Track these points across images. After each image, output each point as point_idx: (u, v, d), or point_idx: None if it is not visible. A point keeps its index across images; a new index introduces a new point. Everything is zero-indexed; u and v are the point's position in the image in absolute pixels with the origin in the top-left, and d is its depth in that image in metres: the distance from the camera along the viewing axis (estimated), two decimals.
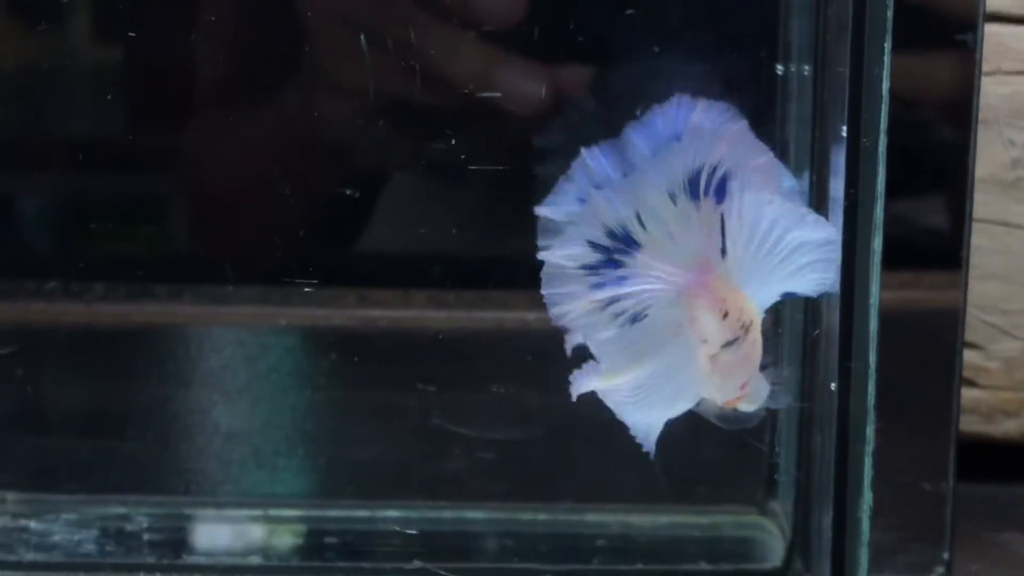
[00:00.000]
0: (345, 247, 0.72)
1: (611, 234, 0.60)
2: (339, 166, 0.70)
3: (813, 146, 0.66)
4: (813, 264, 0.61)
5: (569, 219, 0.62)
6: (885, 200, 0.61)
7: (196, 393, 0.73)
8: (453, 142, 0.68)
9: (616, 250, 0.60)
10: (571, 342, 0.62)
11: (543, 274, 0.61)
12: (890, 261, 0.62)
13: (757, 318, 0.60)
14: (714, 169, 0.60)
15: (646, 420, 0.61)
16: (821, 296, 0.63)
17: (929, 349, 0.72)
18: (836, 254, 0.61)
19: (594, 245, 0.60)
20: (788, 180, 0.63)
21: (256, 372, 0.73)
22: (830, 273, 0.61)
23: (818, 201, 0.65)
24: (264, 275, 0.72)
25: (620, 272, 0.60)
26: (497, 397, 0.71)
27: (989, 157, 0.78)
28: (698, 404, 0.62)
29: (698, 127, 0.62)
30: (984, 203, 0.78)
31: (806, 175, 0.66)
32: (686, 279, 0.60)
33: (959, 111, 0.71)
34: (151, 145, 0.72)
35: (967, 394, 0.79)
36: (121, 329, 0.73)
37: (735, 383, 0.61)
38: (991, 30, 0.76)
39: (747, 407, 0.62)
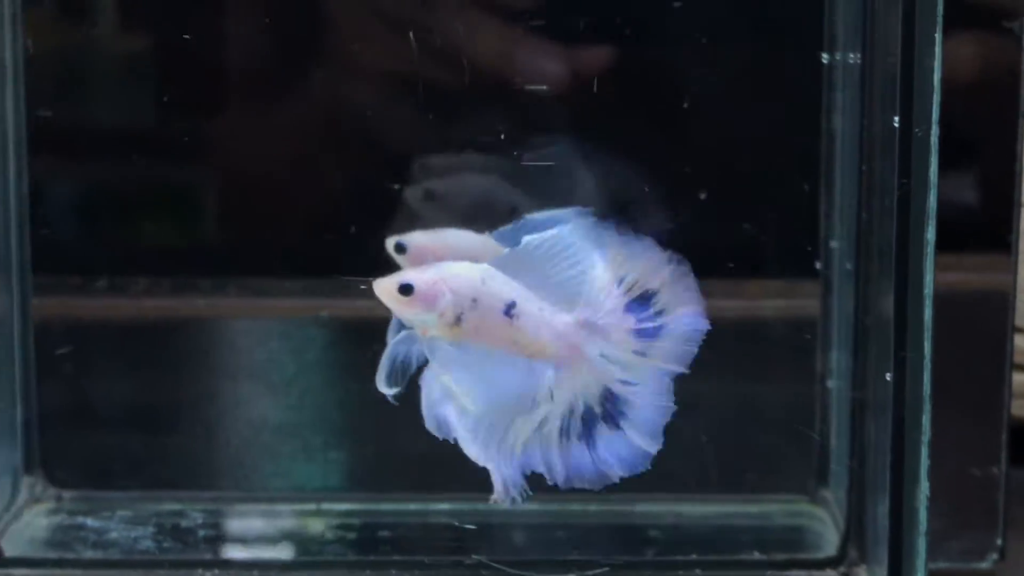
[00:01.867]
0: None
1: None
2: (378, 157, 0.70)
3: (862, 135, 0.66)
4: None
5: None
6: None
7: (243, 386, 0.73)
8: (501, 136, 0.68)
9: None
10: None
11: None
12: (939, 245, 0.62)
13: None
14: None
15: None
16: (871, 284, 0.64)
17: (979, 333, 0.72)
18: None
19: None
20: None
21: (303, 364, 0.73)
22: None
23: (867, 193, 0.65)
24: (310, 268, 0.72)
25: None
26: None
27: None
28: None
29: None
30: None
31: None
32: None
33: (1006, 93, 0.71)
34: (195, 137, 0.72)
35: (1018, 379, 0.78)
36: (167, 323, 0.73)
37: None
38: None
39: None
